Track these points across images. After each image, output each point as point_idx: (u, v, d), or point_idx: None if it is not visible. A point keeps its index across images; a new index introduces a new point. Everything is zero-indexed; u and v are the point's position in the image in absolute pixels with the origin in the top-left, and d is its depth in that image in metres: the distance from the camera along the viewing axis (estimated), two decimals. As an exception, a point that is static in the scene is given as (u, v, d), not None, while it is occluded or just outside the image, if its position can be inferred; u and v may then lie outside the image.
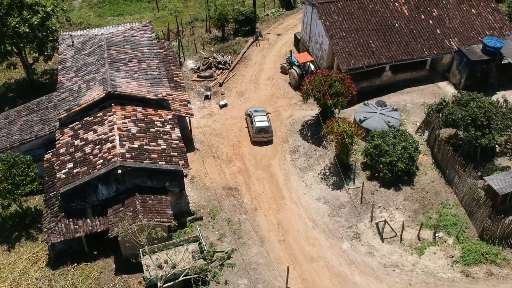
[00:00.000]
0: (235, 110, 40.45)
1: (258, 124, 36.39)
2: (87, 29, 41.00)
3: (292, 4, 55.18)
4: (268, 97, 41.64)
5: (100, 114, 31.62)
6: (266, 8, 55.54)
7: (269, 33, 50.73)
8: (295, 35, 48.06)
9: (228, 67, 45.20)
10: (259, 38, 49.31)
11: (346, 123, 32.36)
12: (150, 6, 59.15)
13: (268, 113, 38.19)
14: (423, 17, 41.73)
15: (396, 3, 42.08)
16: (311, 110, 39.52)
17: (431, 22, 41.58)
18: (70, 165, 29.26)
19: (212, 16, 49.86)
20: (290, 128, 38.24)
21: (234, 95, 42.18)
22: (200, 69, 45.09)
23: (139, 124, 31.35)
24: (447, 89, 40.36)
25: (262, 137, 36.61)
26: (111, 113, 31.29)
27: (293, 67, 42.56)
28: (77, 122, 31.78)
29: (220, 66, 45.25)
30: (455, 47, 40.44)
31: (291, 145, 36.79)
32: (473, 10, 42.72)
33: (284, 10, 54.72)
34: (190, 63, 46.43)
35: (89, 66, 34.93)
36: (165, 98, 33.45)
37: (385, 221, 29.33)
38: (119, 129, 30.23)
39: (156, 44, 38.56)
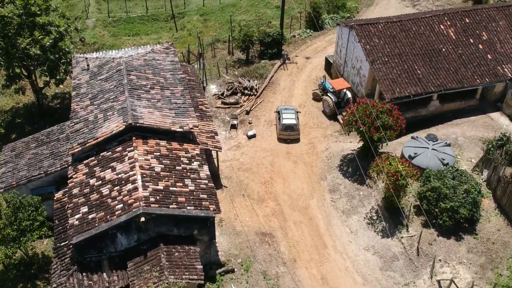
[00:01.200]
0: (264, 142, 36.53)
1: (285, 121, 35.77)
2: (104, 52, 37.40)
3: (319, 25, 51.57)
4: (301, 127, 37.71)
5: (119, 149, 27.78)
6: (292, 29, 51.98)
7: (297, 56, 47.08)
8: (326, 58, 44.37)
9: (255, 93, 41.43)
10: (287, 61, 45.67)
11: (399, 161, 28.31)
12: (167, 26, 55.76)
13: (298, 112, 37.42)
14: (471, 41, 37.95)
15: (441, 26, 38.36)
16: (350, 143, 35.59)
17: (481, 46, 37.78)
18: (85, 209, 25.32)
19: (236, 37, 46.30)
20: (327, 163, 34.23)
21: (262, 124, 38.31)
22: (224, 95, 41.36)
23: (163, 161, 27.46)
24: (501, 121, 36.35)
25: (288, 135, 36.00)
26: (132, 148, 27.45)
27: (328, 94, 38.75)
28: (93, 158, 27.95)
29: (246, 91, 41.52)
30: (510, 75, 36.54)
31: (330, 183, 32.74)
32: (525, 33, 38.93)
33: (312, 31, 51.12)
34: (213, 88, 42.72)
35: (107, 93, 31.22)
36: (191, 130, 29.61)
37: (452, 281, 25.04)
38: (141, 167, 26.35)
39: (179, 69, 34.87)
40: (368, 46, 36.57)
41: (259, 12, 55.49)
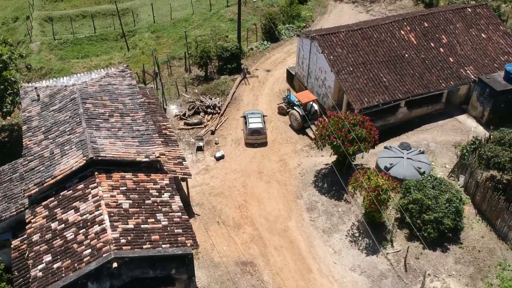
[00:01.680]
0: (234, 162, 34.91)
1: (251, 126, 35.61)
2: (54, 79, 34.75)
3: (277, 36, 50.55)
4: (269, 144, 36.38)
5: (81, 186, 25.42)
6: (249, 41, 50.77)
7: (257, 70, 45.82)
8: (288, 70, 43.34)
9: (218, 111, 39.77)
10: (247, 75, 44.31)
11: (378, 175, 27.37)
12: (118, 45, 53.39)
13: (264, 116, 37.46)
14: (432, 44, 37.85)
15: (402, 31, 38.09)
16: (322, 157, 34.54)
17: (442, 50, 37.72)
18: (48, 257, 22.83)
19: (193, 54, 44.55)
20: (301, 180, 32.98)
21: (230, 143, 36.69)
22: (186, 115, 39.48)
23: (131, 196, 25.31)
24: (468, 123, 36.30)
25: (255, 139, 35.86)
26: (95, 184, 25.15)
27: (294, 107, 37.61)
28: (53, 198, 25.42)
29: (209, 110, 39.79)
30: (473, 76, 36.60)
31: (307, 201, 31.48)
32: (482, 34, 39.24)
33: (269, 43, 50.06)
34: (173, 109, 40.77)
35: (62, 125, 28.75)
36: (158, 159, 27.62)
37: (445, 296, 24.23)
38: (107, 205, 24.13)
39: (138, 92, 32.77)
40: (332, 57, 35.72)
41: (213, 26, 54.02)
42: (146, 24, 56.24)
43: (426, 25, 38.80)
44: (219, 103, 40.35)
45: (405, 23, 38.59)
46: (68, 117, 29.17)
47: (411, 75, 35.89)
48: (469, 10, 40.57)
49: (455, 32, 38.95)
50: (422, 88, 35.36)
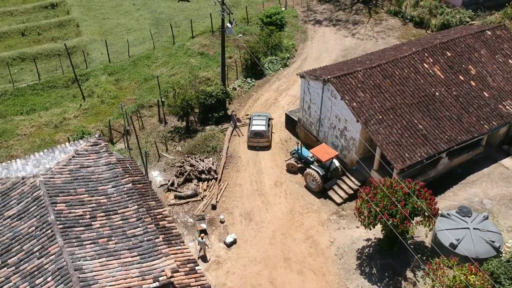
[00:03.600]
0: (251, 248, 27.54)
1: (253, 128, 34.25)
2: (2, 164, 25.86)
3: (259, 71, 43.66)
4: (288, 216, 29.34)
5: None
6: (228, 80, 43.48)
7: (247, 115, 38.67)
8: (287, 115, 36.52)
9: (214, 175, 32.24)
10: (238, 123, 37.11)
11: (466, 270, 20.94)
12: (70, 94, 44.40)
13: (270, 119, 35.67)
14: (462, 78, 32.34)
15: (424, 64, 32.33)
16: (357, 228, 27.93)
17: (473, 83, 32.28)
18: None
19: (170, 104, 36.73)
20: (342, 266, 26.12)
21: (239, 220, 29.29)
22: (176, 185, 31.68)
23: None
24: (516, 169, 30.94)
25: (257, 142, 34.35)
26: None
27: (311, 166, 30.79)
28: None
29: (203, 176, 32.15)
30: (514, 113, 31.38)
31: (357, 295, 24.64)
32: (510, 60, 34.23)
33: (253, 80, 43.06)
34: (157, 176, 32.85)
35: (26, 241, 20.31)
36: (172, 279, 19.82)
37: None
38: None
39: (121, 174, 24.73)
40: (354, 103, 29.26)
41: (180, 62, 46.36)
42: (100, 64, 47.54)
43: (449, 54, 33.29)
44: (214, 164, 32.82)
45: (426, 54, 32.89)
46: (33, 227, 20.74)
47: (448, 118, 30.07)
48: (489, 33, 35.56)
49: (481, 60, 33.71)
50: (465, 133, 29.58)
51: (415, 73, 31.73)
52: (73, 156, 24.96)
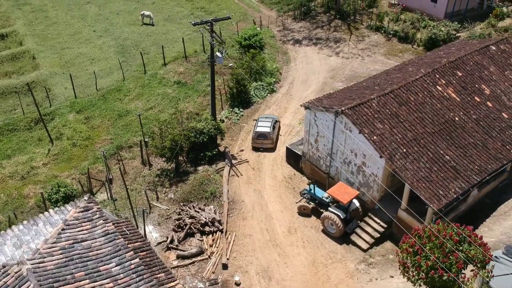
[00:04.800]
0: (277, 314, 23.81)
1: (258, 129, 34.31)
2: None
3: (244, 99, 40.17)
4: (311, 269, 25.84)
5: None
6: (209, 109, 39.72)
7: (242, 150, 35.12)
8: (288, 149, 33.18)
9: (219, 226, 28.35)
10: (233, 161, 33.45)
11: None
12: (34, 137, 39.21)
13: (276, 121, 35.73)
14: (477, 99, 30.09)
15: (438, 87, 29.89)
16: (391, 278, 24.77)
17: (490, 104, 30.09)
18: None
19: (157, 145, 32.56)
20: (384, 326, 22.81)
21: (256, 280, 25.48)
22: (177, 242, 27.55)
23: None
24: (546, 195, 28.79)
25: (261, 143, 34.37)
26: None
27: (329, 209, 27.49)
28: None
29: (207, 228, 28.19)
30: (537, 134, 29.28)
31: None
32: (520, 77, 32.38)
33: (241, 109, 39.52)
34: (150, 232, 28.59)
35: None
36: None
37: None
38: None
39: (124, 245, 20.53)
40: (375, 137, 26.25)
41: (156, 93, 42.27)
42: (65, 101, 42.59)
43: (460, 74, 31.04)
44: (216, 213, 28.93)
45: (437, 76, 30.47)
46: (26, 335, 16.27)
47: (474, 145, 27.58)
48: (494, 48, 33.70)
49: (492, 78, 31.66)
50: (494, 161, 27.15)
51: (430, 97, 29.17)
52: (63, 229, 20.53)
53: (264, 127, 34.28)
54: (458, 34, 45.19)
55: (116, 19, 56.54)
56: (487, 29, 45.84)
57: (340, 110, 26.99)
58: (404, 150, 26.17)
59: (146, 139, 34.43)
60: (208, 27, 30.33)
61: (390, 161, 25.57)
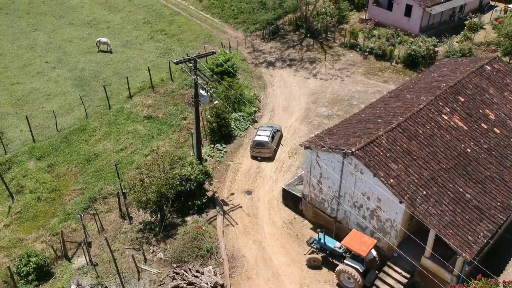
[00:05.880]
0: None
1: (256, 138, 34.31)
2: None
3: (225, 133, 37.04)
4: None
5: None
6: (193, 148, 36.36)
7: (232, 194, 31.98)
8: (285, 190, 30.32)
9: (222, 291, 25.08)
10: (224, 207, 30.26)
11: None
12: (-10, 192, 34.41)
13: (277, 131, 35.45)
14: (484, 126, 28.39)
15: (443, 115, 27.97)
16: (423, 337, 22.31)
17: (497, 131, 28.44)
18: None
19: (139, 198, 28.81)
20: None
21: None
22: (177, 316, 24.04)
23: None
24: None
25: (259, 152, 34.26)
26: None
27: (345, 261, 24.81)
28: None
29: (210, 295, 24.85)
30: (550, 160, 27.81)
31: None
32: (519, 97, 31.06)
33: (223, 145, 36.35)
34: (145, 305, 24.93)
35: None
36: None
37: None
38: None
39: None
40: (391, 180, 23.84)
41: (125, 131, 38.43)
42: (23, 146, 37.79)
43: (462, 99, 29.28)
44: (217, 275, 25.60)
45: (440, 103, 28.56)
46: None
47: (491, 179, 25.71)
48: (488, 68, 32.28)
49: (494, 101, 30.14)
50: (515, 195, 25.35)
51: (438, 128, 27.15)
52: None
53: (263, 136, 34.24)
54: (436, 49, 43.96)
55: (70, 47, 51.99)
56: (464, 42, 44.86)
57: (349, 151, 24.40)
58: (424, 192, 23.90)
59: (125, 191, 30.62)
60: (191, 65, 27.05)
61: (412, 207, 23.20)
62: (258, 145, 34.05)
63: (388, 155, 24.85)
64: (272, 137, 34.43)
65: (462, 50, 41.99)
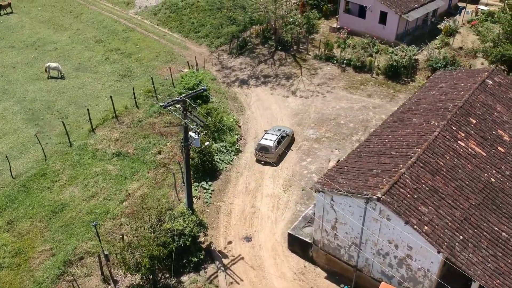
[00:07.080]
0: None
1: (261, 141, 33.38)
2: None
3: (210, 168, 33.34)
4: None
5: None
6: (176, 189, 32.40)
7: (230, 243, 28.35)
8: (291, 235, 27.10)
9: None
10: (223, 260, 26.66)
11: None
12: None
13: (286, 135, 34.21)
14: (502, 149, 26.36)
15: (460, 142, 25.67)
16: None
17: (514, 153, 26.46)
18: None
19: (129, 264, 24.60)
20: None
21: None
22: None
23: None
24: None
25: (262, 156, 33.36)
26: None
27: (378, 321, 21.97)
28: None
29: None
30: None
31: None
32: (525, 113, 29.35)
33: (209, 182, 32.62)
34: None
35: None
36: None
37: None
38: None
39: None
40: (426, 227, 21.16)
41: (93, 172, 33.87)
42: (-28, 200, 32.58)
43: (473, 121, 27.14)
44: None
45: (453, 128, 26.28)
46: None
47: (521, 211, 23.61)
48: (490, 82, 30.45)
49: (504, 119, 28.24)
50: (549, 228, 23.33)
51: (457, 157, 24.80)
52: None
53: (268, 140, 33.23)
54: (416, 57, 42.08)
55: (14, 75, 46.29)
56: (443, 48, 43.23)
57: (375, 197, 21.49)
58: (461, 237, 21.39)
59: (106, 252, 26.35)
60: (180, 106, 23.16)
61: (452, 256, 20.59)
62: (262, 149, 33.08)
63: (415, 196, 22.16)
64: (279, 142, 33.11)
65: (446, 58, 40.25)
